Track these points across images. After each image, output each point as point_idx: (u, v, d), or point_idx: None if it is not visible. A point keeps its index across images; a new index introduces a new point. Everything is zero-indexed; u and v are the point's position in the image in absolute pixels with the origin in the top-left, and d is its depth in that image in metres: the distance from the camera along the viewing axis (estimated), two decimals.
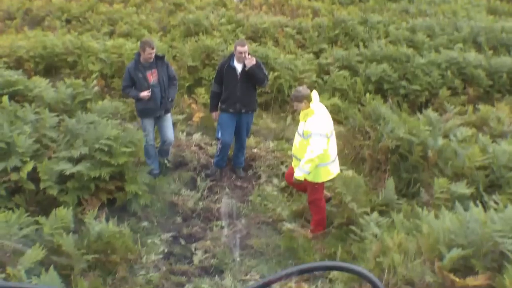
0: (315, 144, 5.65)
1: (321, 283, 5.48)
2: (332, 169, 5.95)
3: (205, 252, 5.97)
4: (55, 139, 6.32)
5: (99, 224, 5.55)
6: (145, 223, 6.35)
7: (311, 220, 6.23)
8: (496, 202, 5.58)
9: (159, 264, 5.77)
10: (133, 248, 5.80)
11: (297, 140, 5.95)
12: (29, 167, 5.78)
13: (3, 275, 4.65)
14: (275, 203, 6.69)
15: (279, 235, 6.26)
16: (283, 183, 7.00)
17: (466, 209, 5.42)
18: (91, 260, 5.33)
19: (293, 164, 6.05)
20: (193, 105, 9.49)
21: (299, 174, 5.75)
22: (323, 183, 5.98)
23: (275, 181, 7.16)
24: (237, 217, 6.53)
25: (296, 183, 6.02)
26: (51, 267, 4.79)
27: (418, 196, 6.46)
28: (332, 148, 5.89)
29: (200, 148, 7.97)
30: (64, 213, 5.34)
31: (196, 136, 8.22)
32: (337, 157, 6.05)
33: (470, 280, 4.60)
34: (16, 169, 5.83)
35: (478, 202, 5.73)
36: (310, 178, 5.84)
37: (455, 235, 5.03)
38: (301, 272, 1.05)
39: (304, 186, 6.11)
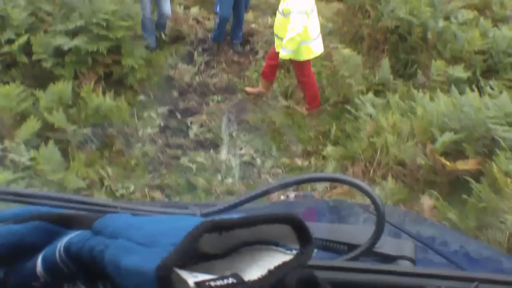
0: (295, 22, 5.57)
1: (314, 159, 5.62)
2: (314, 48, 5.89)
3: (201, 126, 6.06)
4: (51, 12, 6.14)
5: (96, 98, 5.57)
6: (141, 97, 6.37)
7: (305, 98, 6.27)
8: (491, 88, 5.60)
9: (155, 137, 5.88)
10: (130, 122, 5.87)
11: (278, 18, 5.88)
12: (23, 39, 5.68)
13: (1, 147, 4.74)
14: None
15: (274, 111, 6.32)
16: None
17: (461, 93, 5.47)
18: (88, 134, 5.41)
19: (275, 44, 6.00)
20: None
21: (283, 53, 5.73)
22: (307, 61, 5.94)
23: None
24: (233, 92, 6.55)
25: (267, 71, 6.15)
26: (51, 141, 4.88)
27: (415, 77, 6.48)
28: (313, 26, 5.81)
29: (198, 22, 7.78)
30: (61, 87, 5.34)
31: (194, 10, 7.99)
32: (320, 36, 5.98)
33: (460, 164, 4.75)
34: (11, 42, 5.74)
35: (474, 86, 5.75)
36: (292, 57, 5.81)
37: (448, 119, 5.12)
38: (297, 182, 1.03)
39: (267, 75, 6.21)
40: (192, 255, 0.56)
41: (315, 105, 6.24)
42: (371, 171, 5.15)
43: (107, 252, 0.54)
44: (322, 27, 6.77)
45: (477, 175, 4.67)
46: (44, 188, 4.50)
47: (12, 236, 0.59)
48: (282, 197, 2.58)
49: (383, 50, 6.90)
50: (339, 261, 0.93)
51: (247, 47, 7.35)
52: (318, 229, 1.04)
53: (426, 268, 0.97)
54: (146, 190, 5.16)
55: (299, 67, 5.99)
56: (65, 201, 0.93)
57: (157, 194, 5.08)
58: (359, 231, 1.03)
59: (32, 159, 4.74)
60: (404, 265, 1.00)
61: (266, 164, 5.60)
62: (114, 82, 6.33)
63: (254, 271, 0.57)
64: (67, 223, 0.62)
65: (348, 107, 6.00)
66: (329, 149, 5.58)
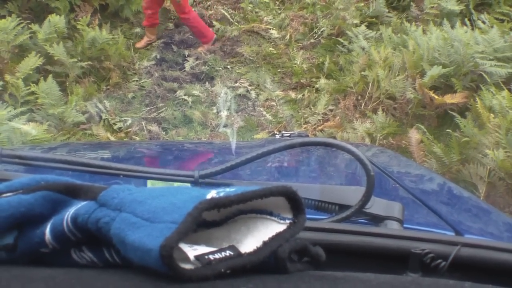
0: None
1: (308, 92, 5.74)
2: None
3: (197, 59, 6.12)
4: None
5: (92, 31, 5.61)
6: (137, 29, 6.40)
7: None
8: (483, 22, 5.65)
9: (152, 70, 5.96)
10: (126, 55, 5.94)
11: None
12: None
13: (1, 83, 4.84)
14: (266, 11, 6.69)
15: (268, 43, 6.37)
16: None
17: (454, 26, 5.51)
18: (85, 67, 5.50)
19: None
20: None
21: None
22: None
23: None
24: (229, 24, 6.57)
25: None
26: (50, 76, 4.97)
27: (409, 10, 6.47)
28: None
29: None
30: (57, 20, 5.37)
31: None
32: None
33: (448, 98, 4.87)
34: None
35: (466, 20, 5.79)
36: None
37: (439, 54, 5.20)
38: (291, 147, 1.11)
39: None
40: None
41: (208, 39, 6.19)
42: (362, 104, 5.30)
43: (113, 225, 0.57)
44: None
45: (464, 109, 4.81)
46: (46, 122, 4.63)
47: (21, 206, 0.61)
48: (277, 136, 2.70)
49: None
50: (329, 223, 0.96)
51: None
52: (310, 189, 1.10)
53: (412, 231, 1.00)
54: (143, 123, 5.31)
55: (176, 3, 5.87)
56: (68, 163, 1.01)
57: (154, 127, 5.22)
58: (350, 192, 1.06)
59: (31, 93, 4.86)
60: (392, 227, 1.05)
61: (261, 96, 5.71)
62: (110, 14, 6.35)
63: (250, 243, 0.60)
64: (73, 193, 0.65)
65: (342, 40, 6.06)
66: (322, 82, 5.69)
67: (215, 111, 5.54)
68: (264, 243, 0.59)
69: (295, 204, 0.63)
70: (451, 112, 4.73)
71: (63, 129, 4.93)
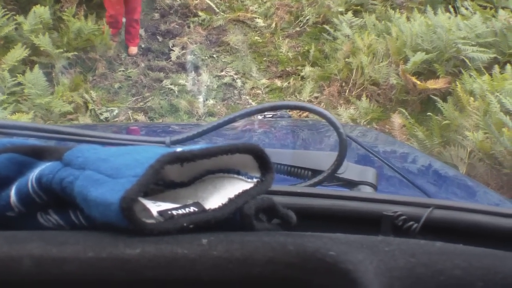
0: None
1: (293, 80, 5.79)
2: None
3: (182, 48, 6.14)
4: None
5: (77, 22, 5.63)
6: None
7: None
8: (466, 9, 5.70)
9: (138, 60, 5.98)
10: (112, 45, 5.95)
11: None
12: None
13: None
14: (252, 0, 6.72)
15: (254, 32, 6.41)
16: None
17: (437, 13, 5.56)
18: (71, 58, 5.51)
19: None
20: None
21: None
22: None
23: None
24: (215, 14, 6.60)
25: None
26: (36, 66, 4.99)
27: None
28: None
29: None
30: (42, 11, 5.38)
31: None
32: None
33: (431, 83, 4.93)
34: None
35: (450, 7, 5.85)
36: None
37: (422, 40, 5.26)
38: (263, 110, 1.11)
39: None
40: (159, 184, 0.60)
41: (136, 44, 6.08)
42: (347, 91, 5.35)
43: (76, 183, 0.55)
44: None
45: (447, 94, 4.87)
46: (32, 112, 4.66)
47: None
48: (259, 117, 2.72)
49: None
50: (302, 187, 0.94)
51: None
52: (283, 155, 1.09)
53: (385, 194, 0.97)
54: (129, 113, 5.34)
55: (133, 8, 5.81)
56: (38, 131, 0.96)
57: (141, 117, 5.26)
58: (324, 157, 1.04)
59: (18, 84, 4.88)
60: (365, 191, 1.04)
61: (247, 85, 5.75)
62: (96, 5, 6.33)
63: (215, 200, 0.59)
64: (39, 154, 0.63)
65: (327, 27, 6.10)
66: (308, 69, 5.73)
67: (201, 100, 5.57)
68: (230, 199, 0.59)
69: (263, 162, 0.62)
70: (433, 97, 4.79)
71: (49, 119, 4.95)
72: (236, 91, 5.70)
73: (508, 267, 0.63)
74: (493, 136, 3.92)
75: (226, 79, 5.83)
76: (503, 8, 5.73)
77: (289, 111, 4.75)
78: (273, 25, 6.42)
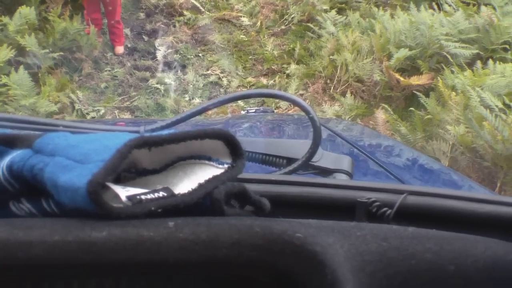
0: None
1: (279, 78, 5.82)
2: None
3: (168, 47, 6.16)
4: None
5: (63, 22, 5.63)
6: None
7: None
8: (450, 5, 5.76)
9: (124, 60, 5.99)
10: (98, 45, 5.96)
11: None
12: None
13: None
14: None
15: (239, 31, 6.44)
16: None
17: (420, 10, 5.62)
18: (57, 58, 5.52)
19: None
20: None
21: None
22: None
23: None
24: (200, 13, 6.62)
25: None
26: (21, 67, 4.99)
27: None
28: None
29: None
30: (28, 11, 5.38)
31: None
32: None
33: (414, 79, 4.98)
34: None
35: (434, 4, 5.90)
36: None
37: (405, 37, 5.30)
38: (237, 98, 1.10)
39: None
40: (131, 171, 0.60)
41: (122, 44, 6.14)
42: (331, 88, 5.39)
43: (46, 170, 0.55)
44: None
45: (430, 90, 4.92)
46: (18, 113, 4.66)
47: None
48: (243, 112, 2.70)
49: None
50: (276, 175, 0.94)
51: None
52: (258, 144, 1.09)
53: (359, 181, 0.97)
54: (116, 112, 5.35)
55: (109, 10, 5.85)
56: (10, 121, 0.95)
57: (127, 116, 5.27)
58: (299, 145, 1.04)
59: (3, 85, 4.87)
60: (340, 178, 1.04)
61: (232, 83, 5.78)
62: (81, 5, 6.32)
63: (185, 185, 0.59)
64: (9, 143, 0.62)
65: (312, 25, 6.14)
66: (293, 67, 5.77)
67: (187, 98, 5.60)
68: (199, 185, 0.58)
69: (234, 148, 0.62)
70: (417, 92, 4.83)
71: None
72: (222, 90, 5.73)
73: (479, 250, 0.64)
74: (474, 130, 3.97)
75: (212, 78, 5.86)
76: (485, 4, 5.79)
77: (280, 103, 4.74)
78: (258, 23, 6.45)
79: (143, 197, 0.55)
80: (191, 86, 5.74)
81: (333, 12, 6.14)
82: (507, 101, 4.16)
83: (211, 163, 0.62)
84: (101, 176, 0.51)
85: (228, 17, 6.53)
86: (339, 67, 5.38)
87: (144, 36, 6.30)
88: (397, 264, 0.58)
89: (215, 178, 0.59)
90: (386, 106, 4.77)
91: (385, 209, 0.76)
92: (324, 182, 0.84)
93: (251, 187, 0.65)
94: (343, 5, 6.45)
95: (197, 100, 5.59)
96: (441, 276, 0.60)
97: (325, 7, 6.26)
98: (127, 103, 5.52)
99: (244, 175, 0.75)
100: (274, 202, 0.66)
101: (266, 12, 6.53)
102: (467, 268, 0.62)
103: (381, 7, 6.12)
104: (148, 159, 0.60)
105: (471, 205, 0.80)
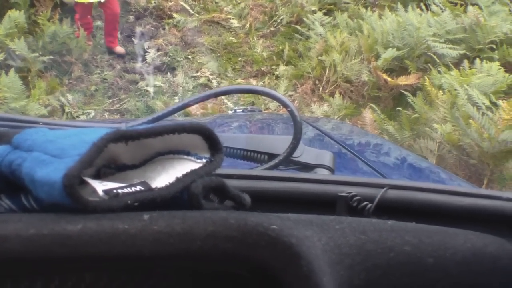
0: None
1: (268, 79, 5.85)
2: None
3: (158, 50, 6.18)
4: None
5: (53, 25, 5.64)
6: (98, 23, 6.41)
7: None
8: (437, 6, 5.80)
9: (113, 62, 6.01)
10: (88, 48, 5.97)
11: None
12: None
13: None
14: (226, 1, 6.78)
15: (229, 33, 6.46)
16: None
17: (407, 10, 5.66)
18: (47, 61, 5.52)
19: None
20: None
21: None
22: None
23: None
24: (190, 15, 6.64)
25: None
26: (12, 70, 5.00)
27: None
28: None
29: None
30: (17, 15, 5.39)
31: None
32: None
33: (401, 79, 5.01)
34: None
35: (422, 5, 5.95)
36: None
37: (393, 37, 5.34)
38: (217, 95, 1.11)
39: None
40: (111, 167, 0.60)
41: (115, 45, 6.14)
42: (320, 89, 5.42)
43: (24, 165, 0.55)
44: None
45: (418, 90, 4.96)
46: None
47: None
48: (230, 112, 2.70)
49: None
50: (258, 170, 0.95)
51: None
52: (240, 140, 1.09)
53: (340, 176, 1.01)
54: (106, 115, 5.36)
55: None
56: None
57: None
58: (281, 141, 1.03)
59: None
60: (321, 173, 1.04)
61: (222, 85, 5.78)
62: (70, 8, 6.33)
63: (163, 179, 0.59)
64: None
65: (300, 27, 6.18)
66: (282, 68, 5.80)
67: (177, 100, 5.61)
68: (177, 178, 0.58)
69: (212, 143, 0.62)
70: (405, 92, 4.87)
71: None
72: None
73: (458, 243, 0.65)
74: (460, 128, 4.01)
75: (202, 80, 5.87)
76: (472, 4, 5.84)
77: (269, 103, 4.74)
78: (248, 25, 6.48)
79: (120, 191, 0.55)
80: (181, 88, 5.76)
81: (321, 13, 6.17)
82: (493, 99, 4.21)
83: (190, 157, 0.62)
84: (76, 170, 0.51)
85: (218, 19, 6.55)
86: (328, 67, 5.41)
87: (133, 39, 6.31)
88: (376, 257, 0.59)
89: (192, 172, 0.59)
90: (373, 106, 4.80)
91: (365, 203, 0.77)
92: (305, 177, 0.84)
93: (232, 182, 0.65)
94: (332, 6, 6.49)
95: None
96: (420, 268, 0.61)
97: (314, 8, 6.30)
98: (117, 105, 5.53)
99: (225, 170, 0.76)
100: (255, 198, 0.66)
101: (255, 14, 6.56)
102: (446, 260, 0.62)
103: (369, 8, 6.15)
104: (128, 155, 0.60)
105: (451, 199, 0.81)
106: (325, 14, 6.27)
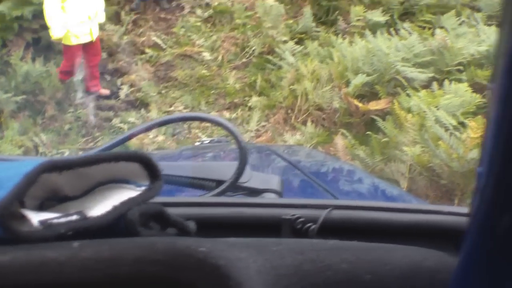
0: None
1: (241, 111, 5.86)
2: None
3: (131, 86, 6.19)
4: None
5: (25, 65, 5.66)
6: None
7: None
8: (406, 30, 5.88)
9: (87, 100, 5.99)
10: (61, 87, 5.97)
11: None
12: None
13: None
14: (198, 34, 6.82)
15: (201, 66, 6.49)
16: (206, 14, 7.07)
17: (376, 36, 5.73)
18: (19, 102, 5.51)
19: None
20: None
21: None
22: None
23: (199, 11, 7.18)
24: (162, 50, 6.67)
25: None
26: None
27: (336, 23, 6.69)
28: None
29: None
30: None
31: None
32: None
33: (372, 105, 5.05)
34: None
35: (392, 30, 6.03)
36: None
37: (362, 63, 5.39)
38: (160, 124, 1.14)
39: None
40: (53, 199, 0.61)
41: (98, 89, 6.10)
42: (293, 118, 5.44)
43: None
44: None
45: (388, 114, 4.99)
46: None
47: None
48: (197, 143, 2.71)
49: None
50: (205, 197, 0.96)
51: (173, 3, 7.39)
52: (187, 168, 1.11)
53: (285, 199, 1.03)
54: (80, 154, 5.33)
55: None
56: None
57: None
58: (229, 167, 1.04)
59: None
60: (268, 197, 1.05)
61: None
62: (43, 47, 6.35)
63: (100, 208, 0.59)
64: None
65: (271, 57, 6.22)
66: (254, 99, 5.82)
67: (151, 136, 5.60)
68: (114, 207, 0.58)
69: (152, 170, 0.62)
70: (375, 117, 4.90)
71: None
72: (185, 126, 5.74)
73: (396, 258, 0.65)
74: (430, 150, 4.03)
75: (175, 114, 5.87)
76: (440, 27, 5.92)
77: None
78: (220, 57, 6.52)
79: (54, 221, 0.55)
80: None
81: (293, 42, 6.23)
82: (461, 119, 4.24)
83: (129, 186, 0.62)
84: (7, 201, 0.51)
85: (190, 52, 6.58)
86: (300, 96, 5.44)
87: (106, 76, 6.32)
88: (313, 276, 0.58)
89: (130, 200, 0.59)
90: (345, 132, 4.82)
91: (309, 224, 0.78)
92: (250, 202, 0.86)
93: (179, 210, 0.67)
94: (303, 35, 6.55)
95: (161, 138, 5.59)
96: (357, 285, 0.61)
97: (285, 38, 6.36)
98: (91, 144, 5.51)
99: (172, 198, 0.79)
100: (202, 224, 0.67)
101: (227, 46, 6.61)
102: (384, 276, 0.62)
103: (339, 35, 6.22)
104: (69, 186, 0.60)
105: (393, 215, 0.82)
106: (296, 43, 6.34)
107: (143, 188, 0.62)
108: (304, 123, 5.27)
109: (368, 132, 4.90)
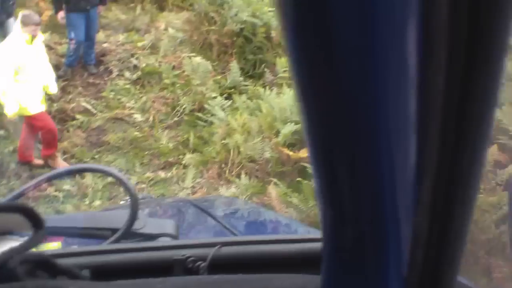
0: None
1: (176, 169, 5.90)
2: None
3: (64, 153, 6.14)
4: None
5: None
6: (1, 132, 6.35)
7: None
8: None
9: (20, 171, 5.91)
10: None
11: None
12: None
13: None
14: (128, 96, 6.88)
15: (133, 128, 6.52)
16: (135, 76, 7.15)
17: None
18: None
19: None
20: (41, 3, 9.06)
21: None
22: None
23: (127, 74, 7.25)
24: (92, 115, 6.67)
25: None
26: None
27: (264, 76, 6.88)
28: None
29: (50, 48, 7.75)
30: None
31: (45, 36, 7.97)
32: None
33: (303, 153, 5.17)
34: None
35: None
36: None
37: (290, 112, 5.54)
38: (49, 179, 1.17)
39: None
40: None
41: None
42: (226, 172, 5.51)
43: None
44: (173, 37, 7.09)
45: None
46: None
47: None
48: (122, 202, 2.72)
49: (231, 54, 7.25)
50: (101, 246, 0.99)
51: (101, 68, 7.43)
52: (80, 219, 1.15)
53: (178, 240, 1.07)
54: None
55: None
56: None
57: None
58: (123, 216, 1.07)
59: None
60: (162, 241, 1.10)
61: (131, 181, 5.78)
62: None
63: None
64: None
65: (202, 114, 6.33)
66: (188, 157, 5.88)
67: (87, 202, 5.55)
68: None
69: (35, 220, 0.62)
70: (307, 164, 5.01)
71: None
72: (121, 189, 5.72)
73: (277, 286, 0.68)
74: None
75: (111, 178, 5.82)
76: None
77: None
78: (151, 118, 6.57)
79: None
80: (90, 189, 5.71)
81: (222, 98, 6.36)
82: None
83: (12, 236, 0.64)
84: None
85: (121, 115, 6.61)
86: (232, 150, 5.53)
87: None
88: None
89: (11, 250, 0.59)
90: (277, 181, 4.92)
91: (199, 262, 0.82)
92: (144, 246, 0.90)
93: (76, 260, 0.70)
94: (232, 89, 6.70)
95: (97, 202, 5.55)
96: None
97: (214, 94, 6.49)
98: None
99: (68, 249, 0.84)
100: (98, 271, 0.70)
101: (158, 106, 6.68)
102: None
103: (267, 87, 6.39)
104: None
105: (279, 247, 0.87)
106: (226, 98, 6.47)
107: (26, 237, 0.63)
108: (238, 176, 5.35)
109: (304, 179, 5.01)
